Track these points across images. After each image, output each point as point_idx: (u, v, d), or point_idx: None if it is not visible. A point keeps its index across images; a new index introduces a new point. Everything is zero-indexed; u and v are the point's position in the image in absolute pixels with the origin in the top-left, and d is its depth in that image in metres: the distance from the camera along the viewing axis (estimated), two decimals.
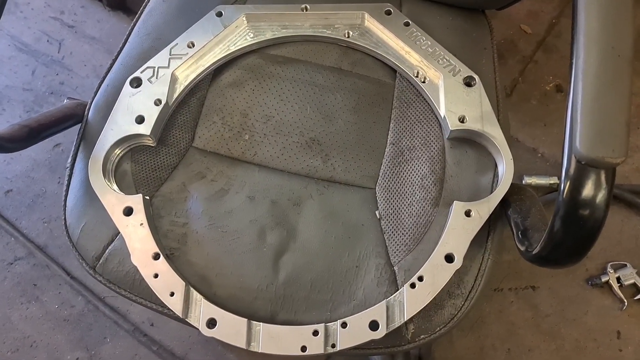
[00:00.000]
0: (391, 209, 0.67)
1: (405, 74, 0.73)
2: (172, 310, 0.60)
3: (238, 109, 0.72)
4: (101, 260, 0.65)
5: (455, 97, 0.69)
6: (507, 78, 1.41)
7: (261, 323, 0.60)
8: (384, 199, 0.68)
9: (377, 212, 0.67)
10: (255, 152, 0.70)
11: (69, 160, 0.70)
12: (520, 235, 0.58)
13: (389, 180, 0.69)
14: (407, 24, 0.74)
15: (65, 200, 0.69)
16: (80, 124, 0.72)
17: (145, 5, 0.79)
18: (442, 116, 0.68)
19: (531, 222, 0.59)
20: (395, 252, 0.65)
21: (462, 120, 0.67)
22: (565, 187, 0.48)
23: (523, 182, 1.26)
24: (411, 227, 0.66)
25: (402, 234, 0.66)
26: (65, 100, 0.74)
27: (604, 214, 0.48)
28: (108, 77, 0.74)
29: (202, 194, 0.68)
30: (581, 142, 0.45)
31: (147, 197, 0.66)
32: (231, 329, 0.60)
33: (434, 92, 0.70)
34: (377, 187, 0.69)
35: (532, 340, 1.15)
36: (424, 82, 0.71)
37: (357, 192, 0.69)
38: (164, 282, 0.61)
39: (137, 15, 0.77)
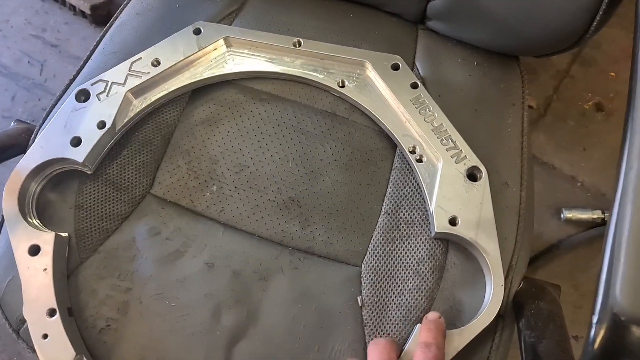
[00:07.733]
0: (377, 296, 0.55)
1: (400, 146, 0.59)
2: None
3: (208, 152, 0.60)
4: (27, 324, 0.55)
5: (451, 190, 0.55)
6: (541, 95, 1.26)
7: None
8: (369, 282, 0.55)
9: (359, 298, 0.55)
10: (222, 208, 0.58)
11: None
12: None
13: (378, 259, 0.56)
14: (414, 86, 0.60)
15: None
16: None
17: (116, 18, 0.67)
18: (431, 211, 0.55)
19: (546, 347, 0.46)
20: None
21: (453, 222, 0.54)
22: (597, 338, 0.35)
23: (562, 216, 1.09)
24: (398, 323, 0.53)
25: (387, 329, 0.53)
26: (12, 124, 0.63)
27: None
28: (61, 101, 0.63)
29: (153, 254, 0.57)
30: (622, 292, 0.32)
31: (65, 235, 0.55)
32: None
33: (429, 178, 0.57)
34: (362, 266, 0.56)
35: None
36: (420, 161, 0.58)
37: (339, 270, 0.56)
38: (52, 347, 0.50)
39: (104, 30, 0.66)
